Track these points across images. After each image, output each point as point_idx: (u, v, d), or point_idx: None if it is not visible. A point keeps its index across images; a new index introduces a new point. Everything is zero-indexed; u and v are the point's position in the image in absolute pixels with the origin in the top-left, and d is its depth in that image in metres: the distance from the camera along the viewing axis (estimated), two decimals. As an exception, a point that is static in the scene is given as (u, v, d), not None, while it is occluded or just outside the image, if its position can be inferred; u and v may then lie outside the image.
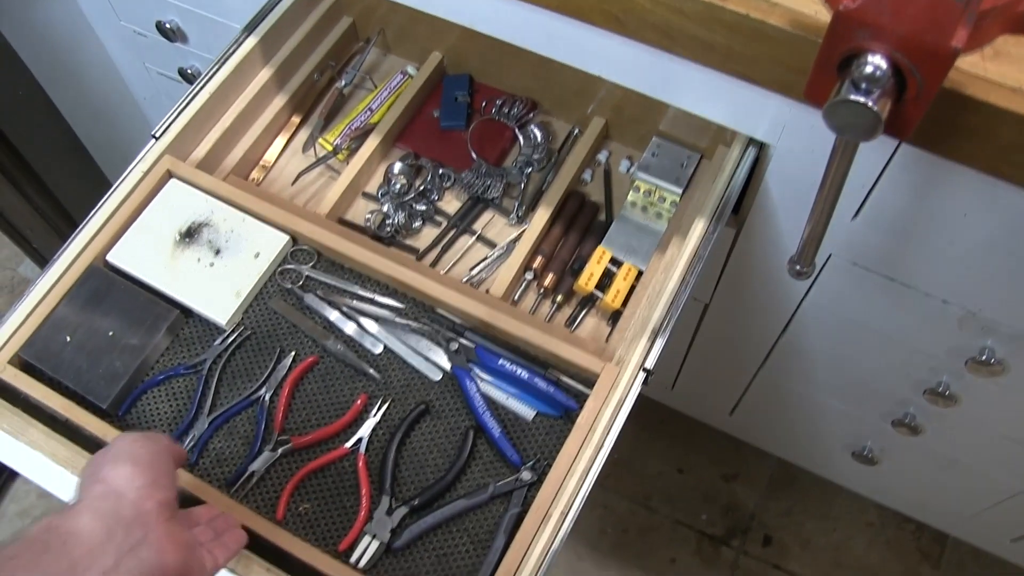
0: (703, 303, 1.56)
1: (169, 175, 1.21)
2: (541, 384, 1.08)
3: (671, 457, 2.29)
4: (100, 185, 2.24)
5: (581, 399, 1.07)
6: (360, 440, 1.09)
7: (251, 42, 1.29)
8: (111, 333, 1.12)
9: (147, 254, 1.17)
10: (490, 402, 1.09)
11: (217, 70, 1.26)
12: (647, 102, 1.16)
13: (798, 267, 1.05)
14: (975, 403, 1.41)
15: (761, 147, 1.17)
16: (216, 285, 1.15)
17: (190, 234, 1.17)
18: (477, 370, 1.11)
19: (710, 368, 1.84)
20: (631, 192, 1.25)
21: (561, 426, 1.08)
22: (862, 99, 0.77)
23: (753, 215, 1.26)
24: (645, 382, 1.06)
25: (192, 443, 1.09)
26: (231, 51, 1.28)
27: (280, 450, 1.08)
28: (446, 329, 1.13)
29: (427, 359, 1.12)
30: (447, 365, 1.12)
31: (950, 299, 1.21)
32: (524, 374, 1.08)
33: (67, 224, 2.16)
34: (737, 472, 2.27)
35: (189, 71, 1.71)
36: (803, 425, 1.87)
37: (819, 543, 2.20)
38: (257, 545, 1.01)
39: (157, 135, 1.22)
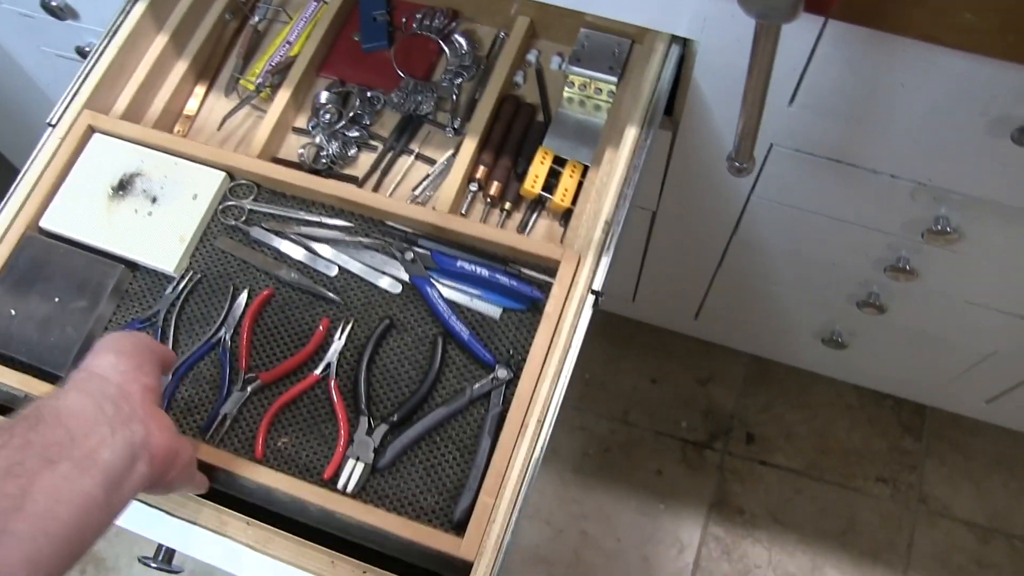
0: (651, 211, 1.57)
1: (92, 130, 1.19)
2: (503, 280, 1.08)
3: (643, 369, 2.31)
4: (6, 174, 2.19)
5: (546, 289, 1.07)
6: (329, 365, 1.08)
7: (140, 8, 1.25)
8: (57, 299, 1.11)
9: (81, 214, 1.14)
10: (454, 307, 1.09)
11: (107, 44, 1.23)
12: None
13: (737, 164, 1.05)
14: (936, 274, 1.43)
15: (685, 44, 1.16)
16: (158, 234, 1.13)
17: (123, 187, 1.15)
18: (436, 276, 1.10)
19: (668, 275, 1.85)
20: (566, 88, 1.23)
21: (530, 319, 1.08)
22: None
23: (687, 114, 1.26)
24: (595, 304, 1.05)
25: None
26: (119, 21, 1.25)
27: (249, 388, 1.07)
28: (399, 240, 1.12)
29: (384, 274, 1.11)
30: (405, 276, 1.11)
31: (899, 173, 1.22)
32: (484, 272, 1.08)
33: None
34: (711, 375, 2.29)
35: (87, 48, 1.66)
36: (769, 318, 1.90)
37: (802, 432, 2.24)
38: (246, 506, 1.03)
39: (53, 122, 1.19)
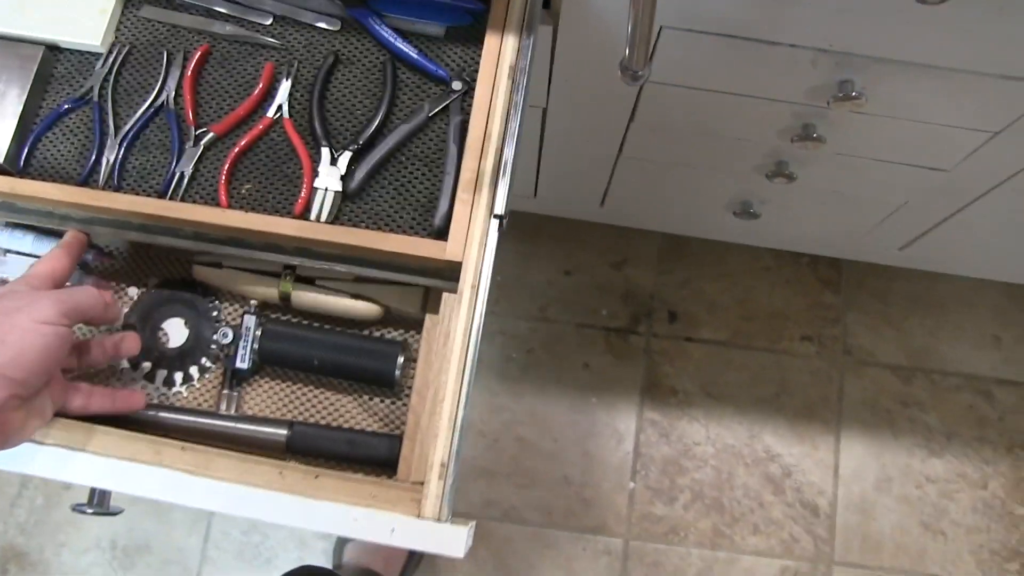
0: (541, 108, 1.59)
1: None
2: (442, -4, 1.12)
3: (555, 262, 2.36)
4: None
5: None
6: (280, 107, 1.10)
7: None
8: (-22, 93, 1.11)
9: (-15, 3, 1.14)
10: (398, 32, 1.12)
11: None
12: None
13: (632, 71, 1.03)
14: (843, 137, 1.49)
15: None
16: (75, 10, 1.13)
17: (28, -30, 1.16)
18: (375, 5, 1.14)
19: (567, 168, 1.89)
20: None
21: (476, 31, 1.12)
22: None
23: (566, 6, 1.26)
24: (500, 228, 1.04)
25: (108, 169, 1.09)
26: None
27: (202, 143, 1.09)
28: (326, -20, 1.16)
29: (321, 13, 1.14)
30: (342, 12, 1.14)
31: (798, 42, 1.25)
32: (422, -8, 1.13)
33: None
34: (625, 258, 2.36)
35: None
36: (678, 197, 1.97)
37: (723, 303, 2.32)
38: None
39: None
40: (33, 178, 1.10)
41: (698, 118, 1.53)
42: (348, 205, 1.07)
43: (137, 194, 1.08)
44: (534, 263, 2.34)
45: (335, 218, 1.06)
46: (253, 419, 1.07)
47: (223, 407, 1.08)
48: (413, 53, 1.10)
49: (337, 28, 1.14)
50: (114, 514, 1.09)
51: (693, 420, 2.23)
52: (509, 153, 1.04)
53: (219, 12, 1.16)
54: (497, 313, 2.29)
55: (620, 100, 1.51)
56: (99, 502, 1.07)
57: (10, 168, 1.09)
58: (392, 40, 1.11)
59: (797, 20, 1.21)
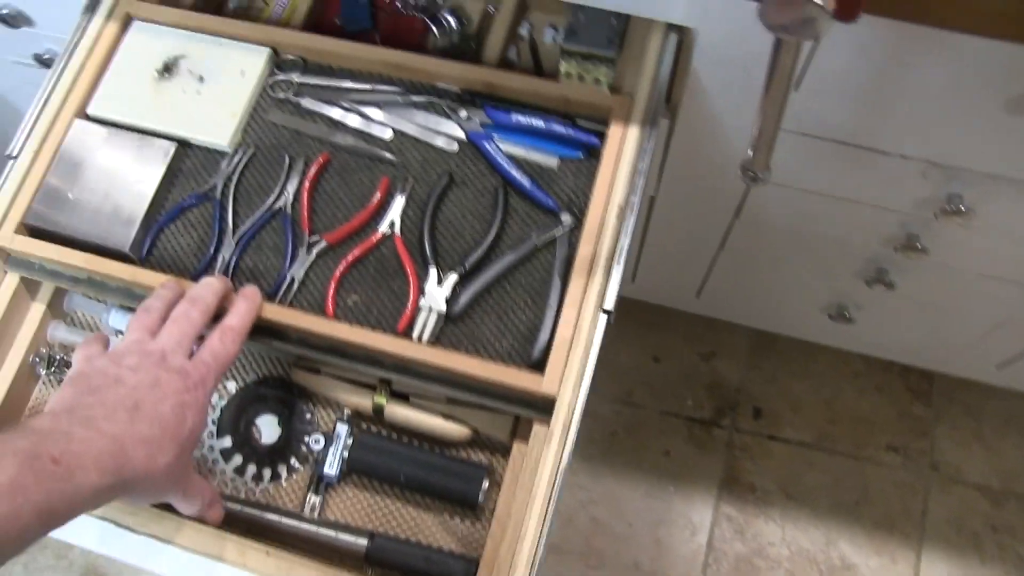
0: (650, 196, 1.61)
1: (130, 18, 1.25)
2: (559, 128, 1.15)
3: (644, 347, 2.37)
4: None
5: (600, 135, 1.14)
6: (392, 223, 1.14)
7: (97, 22, 1.26)
8: (112, 180, 1.16)
9: (129, 98, 1.20)
10: (512, 159, 1.15)
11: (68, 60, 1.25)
12: None
13: (752, 173, 1.05)
14: (947, 249, 1.47)
15: (682, 31, 1.17)
16: (208, 111, 1.19)
17: (168, 69, 1.21)
18: (491, 131, 1.17)
19: (668, 256, 1.90)
20: (562, 63, 1.21)
21: (588, 165, 1.15)
22: None
23: (686, 103, 1.28)
24: (607, 323, 1.08)
25: (223, 266, 1.13)
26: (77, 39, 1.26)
27: (315, 251, 1.13)
28: (451, 100, 1.19)
29: (440, 133, 1.18)
30: (461, 134, 1.18)
31: (909, 153, 1.26)
32: (540, 123, 1.15)
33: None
34: (714, 349, 2.36)
35: (46, 56, 1.68)
36: (774, 295, 1.96)
37: (809, 403, 2.31)
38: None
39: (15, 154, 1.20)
40: (153, 267, 1.15)
41: (802, 219, 1.54)
42: (450, 326, 1.10)
43: (247, 294, 1.12)
44: (623, 346, 2.36)
45: (436, 338, 1.09)
46: (335, 525, 1.10)
47: (307, 510, 1.11)
48: (526, 182, 1.13)
49: (455, 149, 1.18)
50: None
51: (770, 519, 2.22)
52: (618, 271, 1.07)
53: (342, 124, 1.20)
54: (581, 392, 2.29)
55: (728, 196, 1.52)
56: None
57: (134, 255, 1.14)
58: (506, 167, 1.14)
59: (909, 132, 1.22)
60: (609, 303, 1.06)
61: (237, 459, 1.12)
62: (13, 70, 1.79)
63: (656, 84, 1.16)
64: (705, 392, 2.33)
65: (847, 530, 2.21)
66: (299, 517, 1.10)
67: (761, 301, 2.05)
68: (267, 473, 1.13)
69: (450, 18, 1.29)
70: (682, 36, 1.17)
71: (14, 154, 1.17)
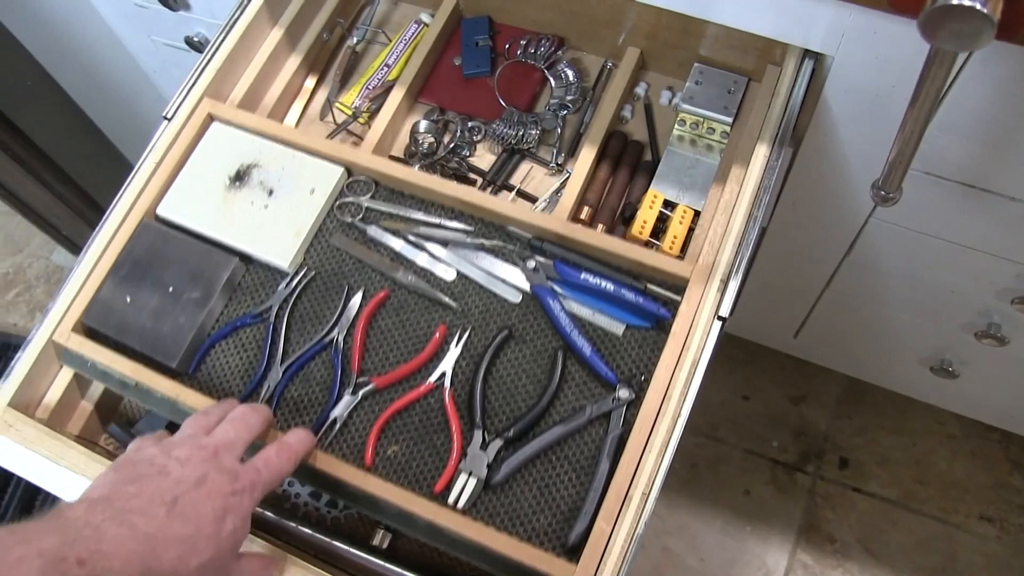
0: (761, 227, 1.51)
1: (211, 119, 1.18)
2: (629, 295, 1.04)
3: (734, 384, 2.26)
4: (120, 167, 2.22)
5: (672, 307, 1.03)
6: (444, 374, 1.05)
7: (256, 4, 1.24)
8: (171, 289, 1.10)
9: (198, 203, 1.14)
10: (576, 319, 1.06)
11: (224, 38, 1.22)
12: (683, 24, 1.12)
13: (883, 192, 0.99)
14: None
15: (817, 59, 1.12)
16: (273, 227, 1.11)
17: (240, 177, 1.14)
18: (558, 287, 1.07)
19: (772, 291, 1.80)
20: (676, 126, 1.19)
21: (655, 337, 1.05)
22: (968, 2, 0.68)
23: (811, 132, 1.21)
24: (721, 329, 1.02)
25: (267, 394, 1.07)
26: (236, 16, 1.23)
27: (361, 392, 1.05)
28: (521, 247, 1.09)
29: (504, 281, 1.09)
30: (526, 285, 1.08)
31: None
32: (609, 286, 1.05)
33: (92, 209, 2.16)
34: (805, 394, 2.24)
35: (196, 39, 1.67)
36: (874, 342, 1.84)
37: (898, 460, 2.17)
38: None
39: (169, 116, 1.18)
40: (200, 385, 1.09)
41: (915, 262, 1.44)
42: (488, 494, 1.02)
43: (288, 426, 1.06)
44: (713, 380, 2.24)
45: (472, 504, 1.01)
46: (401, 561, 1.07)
47: (376, 540, 1.07)
48: (587, 350, 1.03)
49: (517, 301, 1.08)
50: None
51: (847, 573, 2.10)
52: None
53: (406, 259, 1.11)
54: (668, 422, 2.20)
55: (843, 230, 1.43)
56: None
57: (182, 370, 1.09)
58: (568, 330, 1.04)
59: None
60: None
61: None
62: (161, 51, 1.78)
63: (789, 111, 1.11)
64: (791, 435, 2.21)
65: (929, 596, 2.08)
66: (369, 548, 1.05)
67: (860, 348, 1.92)
68: (340, 501, 1.08)
69: (569, 71, 1.25)
70: (816, 64, 1.12)
71: (83, 255, 1.13)
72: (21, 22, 1.78)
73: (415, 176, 1.12)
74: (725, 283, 1.03)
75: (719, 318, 1.01)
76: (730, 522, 2.16)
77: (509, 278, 1.09)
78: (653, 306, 1.04)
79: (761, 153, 1.09)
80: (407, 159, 1.24)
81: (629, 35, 1.25)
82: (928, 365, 1.76)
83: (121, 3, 1.67)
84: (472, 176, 1.23)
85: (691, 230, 1.13)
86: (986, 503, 2.12)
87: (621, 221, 1.17)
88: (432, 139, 1.23)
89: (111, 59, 1.91)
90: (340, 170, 1.14)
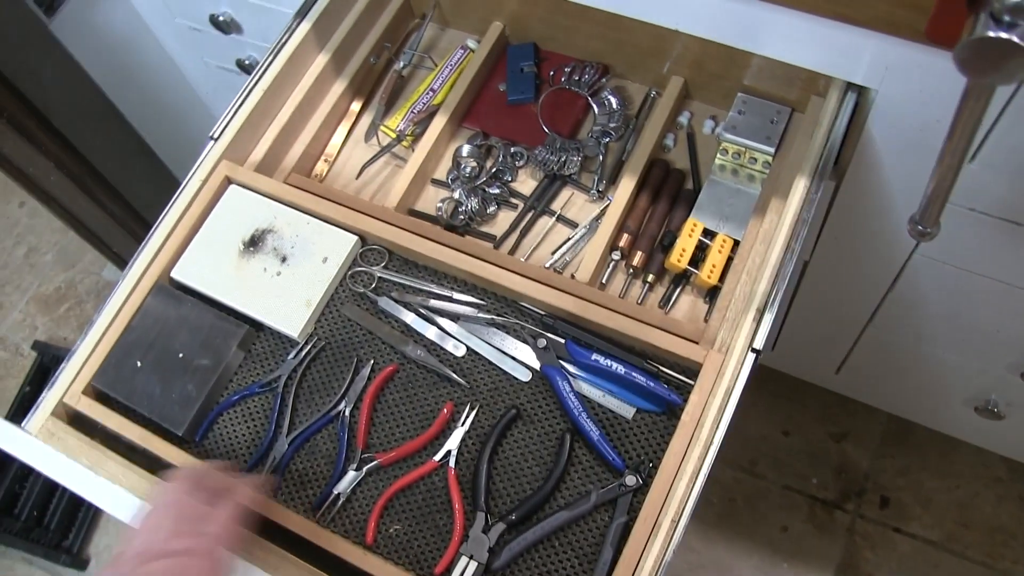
0: (803, 260, 1.48)
1: (228, 181, 1.15)
2: (640, 379, 1.00)
3: (775, 419, 2.20)
4: (169, 186, 2.22)
5: (684, 391, 1.00)
6: (449, 453, 1.02)
7: (304, 28, 1.23)
8: (181, 355, 1.08)
9: (211, 267, 1.12)
10: (585, 401, 1.02)
11: (272, 60, 1.21)
12: (728, 54, 1.08)
13: (920, 227, 0.94)
14: None
15: (860, 92, 1.08)
16: (285, 295, 1.09)
17: (254, 242, 1.11)
18: (569, 367, 1.03)
19: (813, 326, 1.75)
20: (718, 155, 1.16)
21: (664, 423, 1.01)
22: (1005, 35, 0.65)
23: (854, 166, 1.18)
24: (755, 362, 0.99)
25: (273, 465, 1.04)
26: (284, 40, 1.22)
27: (365, 468, 1.03)
28: (532, 324, 1.06)
29: (514, 359, 1.05)
30: (536, 364, 1.04)
31: None
32: (621, 369, 1.01)
33: (141, 227, 2.17)
34: (847, 431, 2.17)
35: (247, 61, 1.68)
36: (918, 380, 1.78)
37: (942, 502, 2.10)
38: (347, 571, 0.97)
39: (215, 136, 1.17)
40: (207, 453, 1.08)
41: (959, 300, 1.39)
42: (488, 578, 0.98)
43: (292, 500, 1.04)
44: (753, 415, 2.19)
45: (472, 588, 0.98)
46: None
47: None
48: (595, 434, 0.99)
49: (527, 379, 1.04)
50: None
51: (885, 614, 2.04)
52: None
53: (416, 332, 1.08)
54: (706, 455, 2.15)
55: (887, 265, 1.39)
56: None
57: (189, 438, 1.07)
58: (577, 413, 1.00)
59: None
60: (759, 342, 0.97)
61: None
62: (215, 74, 1.78)
63: (830, 143, 1.08)
64: (832, 473, 2.15)
65: (972, 642, 2.01)
66: None
67: (903, 385, 1.87)
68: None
69: (612, 99, 1.23)
70: (860, 97, 1.09)
71: (97, 315, 1.11)
72: (81, 45, 1.79)
73: (429, 247, 1.09)
74: (761, 313, 1.00)
75: (753, 350, 0.98)
76: (766, 559, 2.10)
77: (519, 355, 1.05)
78: (664, 391, 1.00)
79: (801, 184, 1.05)
80: (449, 183, 1.22)
81: (674, 64, 1.22)
82: (973, 405, 1.70)
83: (177, 27, 1.68)
84: (514, 200, 1.21)
85: (730, 259, 1.10)
86: (1034, 549, 2.05)
87: (660, 249, 1.14)
88: (475, 163, 1.21)
89: (167, 81, 1.92)
90: (354, 239, 1.11)
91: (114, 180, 2.07)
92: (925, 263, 1.32)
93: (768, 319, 0.99)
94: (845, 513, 2.10)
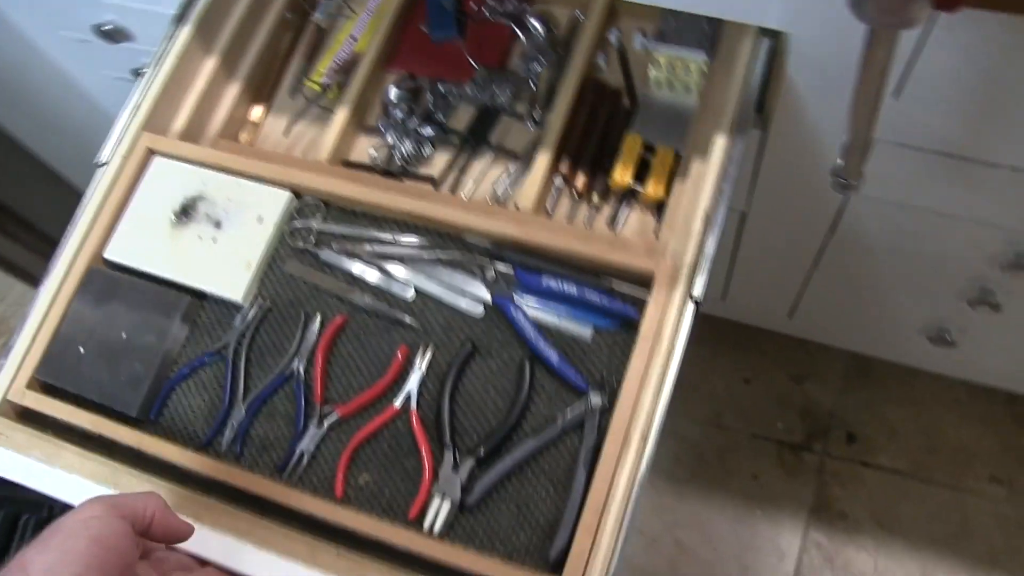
0: (740, 211, 1.47)
1: (151, 153, 1.12)
2: (593, 297, 0.98)
3: (735, 369, 2.19)
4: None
5: (640, 305, 0.97)
6: (409, 396, 1.00)
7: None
8: (124, 335, 1.04)
9: (145, 242, 1.08)
10: (541, 328, 1.00)
11: (180, 30, 1.18)
12: None
13: (842, 180, 0.95)
14: None
15: (777, 37, 1.07)
16: (224, 261, 1.06)
17: (185, 212, 1.08)
18: (521, 295, 1.01)
19: (760, 274, 1.75)
20: (652, 69, 1.13)
21: (624, 338, 0.99)
22: None
23: (780, 112, 1.16)
24: (695, 312, 0.97)
25: (232, 434, 1.01)
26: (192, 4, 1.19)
27: (326, 423, 1.00)
28: (479, 256, 1.03)
29: (465, 293, 1.03)
30: (488, 297, 1.02)
31: (1021, 165, 1.11)
32: (573, 289, 0.99)
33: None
34: (807, 372, 2.17)
35: (143, 70, 1.60)
36: (870, 316, 1.79)
37: (906, 431, 2.10)
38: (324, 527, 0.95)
39: (101, 162, 1.14)
40: (163, 431, 1.04)
41: (902, 236, 1.39)
42: (464, 516, 0.96)
43: (256, 465, 1.01)
44: (713, 367, 2.18)
45: (449, 527, 0.95)
46: None
47: None
48: (554, 358, 0.97)
49: (480, 313, 1.02)
50: None
51: (861, 549, 2.03)
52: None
53: (362, 280, 1.05)
54: (671, 413, 2.12)
55: (824, 210, 1.38)
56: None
57: (143, 417, 1.03)
58: (534, 339, 0.98)
59: (1020, 142, 1.08)
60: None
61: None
62: (116, 86, 1.74)
63: (745, 91, 1.05)
64: (796, 416, 2.14)
65: (945, 564, 2.00)
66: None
67: (857, 322, 1.88)
68: None
69: (538, 24, 1.21)
70: (776, 41, 1.07)
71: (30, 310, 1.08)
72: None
73: (364, 193, 1.06)
74: (694, 266, 0.98)
75: (693, 300, 0.96)
76: (741, 508, 2.09)
77: (470, 289, 1.03)
78: (620, 306, 0.98)
79: (723, 135, 1.03)
80: (381, 129, 1.19)
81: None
82: (926, 335, 1.71)
83: (63, 40, 1.61)
84: (449, 140, 1.18)
85: (672, 174, 1.08)
86: (995, 466, 2.05)
87: (603, 170, 1.11)
88: (405, 107, 1.18)
89: (66, 99, 1.84)
90: (286, 195, 1.08)
91: (22, 212, 2.02)
92: (862, 202, 1.32)
93: (704, 269, 0.98)
94: (813, 454, 2.10)
